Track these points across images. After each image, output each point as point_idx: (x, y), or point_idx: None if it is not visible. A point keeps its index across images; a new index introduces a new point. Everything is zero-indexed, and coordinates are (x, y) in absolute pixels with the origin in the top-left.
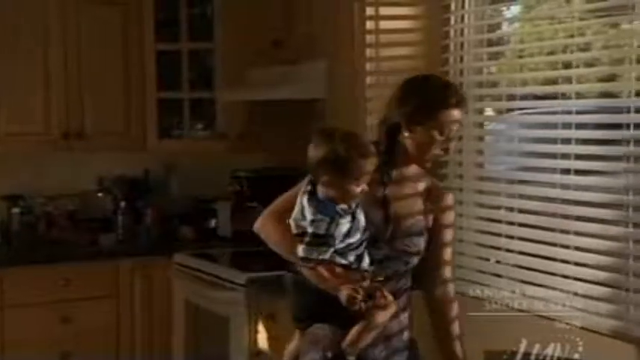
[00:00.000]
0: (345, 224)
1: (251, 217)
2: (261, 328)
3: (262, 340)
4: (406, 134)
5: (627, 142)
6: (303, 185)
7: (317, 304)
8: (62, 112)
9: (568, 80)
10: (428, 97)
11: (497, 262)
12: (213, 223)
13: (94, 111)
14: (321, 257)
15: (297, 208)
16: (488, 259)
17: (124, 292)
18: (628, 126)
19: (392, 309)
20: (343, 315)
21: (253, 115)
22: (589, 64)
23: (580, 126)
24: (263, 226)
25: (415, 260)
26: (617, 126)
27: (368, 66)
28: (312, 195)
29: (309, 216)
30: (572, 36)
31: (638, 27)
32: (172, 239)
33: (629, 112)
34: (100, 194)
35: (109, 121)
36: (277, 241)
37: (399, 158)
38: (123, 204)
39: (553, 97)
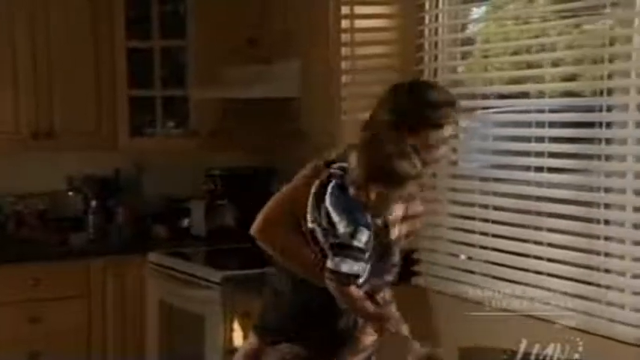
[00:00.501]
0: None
1: (224, 215)
2: (236, 326)
3: (238, 338)
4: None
5: (599, 140)
6: (315, 186)
7: (294, 319)
8: (31, 111)
9: (541, 80)
10: (414, 114)
11: (469, 258)
12: (186, 222)
13: (64, 109)
14: (360, 274)
15: (318, 212)
16: (465, 257)
17: (96, 291)
18: (600, 124)
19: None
20: (316, 335)
21: (226, 113)
22: (555, 64)
23: (553, 124)
24: (262, 231)
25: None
26: (589, 124)
27: (343, 64)
28: (339, 200)
29: (344, 226)
30: (537, 36)
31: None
32: (145, 238)
33: (601, 110)
34: (70, 193)
35: (79, 119)
36: (285, 248)
37: None
38: (94, 203)
39: (526, 95)
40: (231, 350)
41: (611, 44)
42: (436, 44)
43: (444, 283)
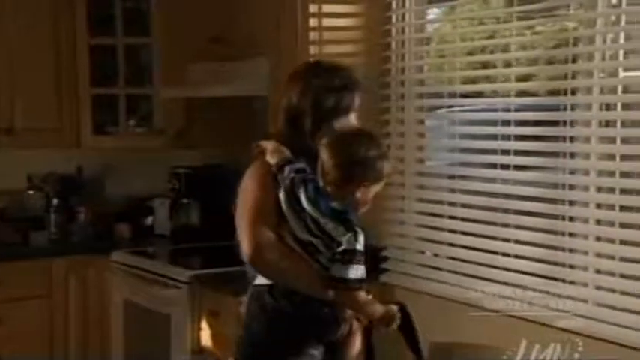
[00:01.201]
0: None
1: (189, 214)
2: (204, 325)
3: (205, 337)
4: None
5: (564, 138)
6: (283, 195)
7: (295, 334)
8: None
9: (507, 79)
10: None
11: (435, 255)
12: (150, 220)
13: (25, 107)
14: (365, 277)
15: (304, 223)
16: (430, 253)
17: (58, 291)
18: (565, 123)
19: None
20: (318, 348)
21: (192, 111)
22: (521, 64)
23: (519, 123)
24: (259, 261)
25: None
26: (554, 123)
27: None
28: (322, 205)
29: (342, 232)
30: (503, 37)
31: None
32: (108, 237)
33: (565, 109)
34: (31, 192)
35: (40, 117)
36: (287, 270)
37: None
38: (55, 202)
39: (492, 95)
40: (200, 350)
41: (575, 45)
42: (403, 43)
43: (411, 280)
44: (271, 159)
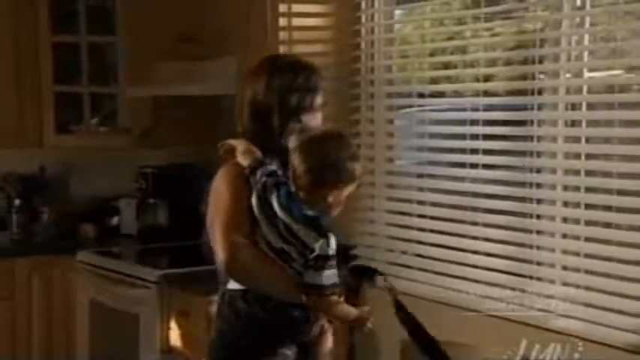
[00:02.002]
0: None
1: (156, 214)
2: (173, 325)
3: (175, 336)
4: None
5: (531, 138)
6: (255, 198)
7: (269, 339)
8: None
9: (474, 79)
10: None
11: (403, 252)
12: (115, 220)
13: None
14: (338, 281)
15: (276, 229)
16: (400, 252)
17: (21, 293)
18: (532, 122)
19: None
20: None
21: (159, 110)
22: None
23: (488, 122)
24: (238, 271)
25: None
26: (522, 122)
27: None
28: (294, 210)
29: (314, 237)
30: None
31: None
32: (73, 238)
33: (532, 109)
34: None
35: (0, 115)
36: (264, 278)
37: None
38: (17, 202)
39: (460, 94)
40: (169, 349)
41: (542, 46)
42: (372, 43)
43: (381, 278)
44: (243, 160)
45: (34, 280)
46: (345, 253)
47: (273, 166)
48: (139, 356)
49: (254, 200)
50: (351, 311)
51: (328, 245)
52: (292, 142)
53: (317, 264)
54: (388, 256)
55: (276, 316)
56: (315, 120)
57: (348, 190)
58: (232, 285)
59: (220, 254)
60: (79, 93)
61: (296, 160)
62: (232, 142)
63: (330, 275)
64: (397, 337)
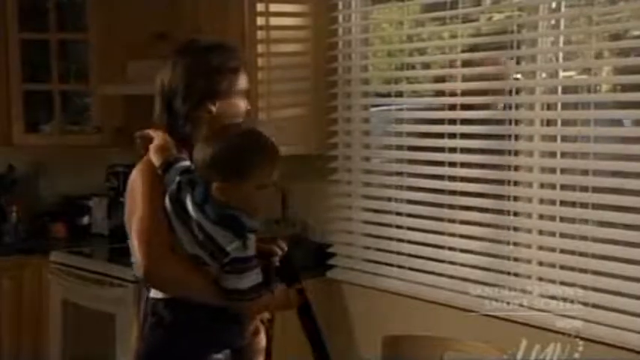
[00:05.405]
0: None
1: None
2: None
3: None
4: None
5: (509, 136)
6: (168, 202)
7: (205, 341)
8: None
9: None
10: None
11: (379, 250)
12: (86, 219)
13: None
14: (259, 281)
15: (191, 232)
16: (377, 249)
17: None
18: (510, 122)
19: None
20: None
21: (132, 108)
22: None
23: (465, 121)
24: (154, 275)
25: None
26: (500, 122)
27: (259, 62)
28: (208, 210)
29: (230, 239)
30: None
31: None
32: (42, 237)
33: (510, 108)
34: None
35: None
36: (183, 284)
37: None
38: None
39: (439, 94)
40: None
41: (519, 47)
42: (349, 43)
43: (359, 275)
44: (155, 159)
45: (3, 281)
46: (321, 251)
47: (187, 162)
48: (116, 357)
49: (167, 204)
50: (278, 301)
51: (245, 246)
52: (201, 132)
53: (234, 268)
54: (365, 253)
55: (204, 322)
56: (232, 107)
57: (268, 190)
58: (155, 293)
59: (138, 261)
60: (49, 91)
61: (199, 153)
62: (151, 132)
63: (250, 278)
64: (375, 334)
